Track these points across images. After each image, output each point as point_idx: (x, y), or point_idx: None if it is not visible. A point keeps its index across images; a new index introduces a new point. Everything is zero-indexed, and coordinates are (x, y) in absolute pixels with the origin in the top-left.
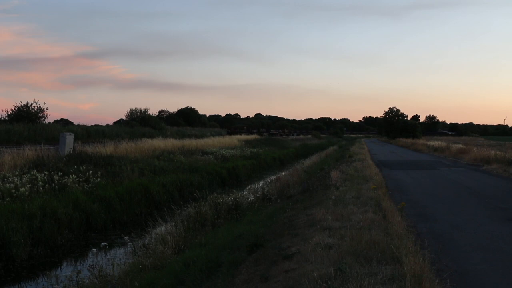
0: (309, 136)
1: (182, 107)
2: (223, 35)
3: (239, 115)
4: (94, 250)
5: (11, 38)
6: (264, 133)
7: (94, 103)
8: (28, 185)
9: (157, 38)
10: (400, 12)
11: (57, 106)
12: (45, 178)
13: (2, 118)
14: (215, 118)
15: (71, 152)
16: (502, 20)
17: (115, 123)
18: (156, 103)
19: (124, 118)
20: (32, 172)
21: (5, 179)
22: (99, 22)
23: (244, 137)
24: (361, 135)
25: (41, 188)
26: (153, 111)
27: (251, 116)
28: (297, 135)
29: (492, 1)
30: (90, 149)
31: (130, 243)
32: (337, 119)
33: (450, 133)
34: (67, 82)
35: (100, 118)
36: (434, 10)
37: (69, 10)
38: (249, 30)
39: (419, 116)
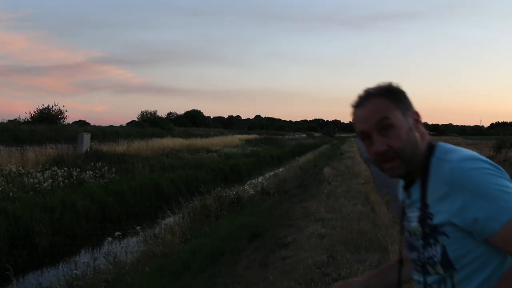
0: (304, 135)
1: (189, 109)
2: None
3: (240, 117)
4: (109, 239)
5: (27, 45)
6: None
7: (107, 106)
8: (49, 180)
9: (146, 47)
10: (366, 22)
11: (74, 108)
12: (65, 174)
13: (26, 120)
14: (219, 120)
15: (88, 150)
16: (466, 31)
17: (128, 124)
18: (162, 105)
19: (135, 119)
20: (53, 168)
21: (29, 175)
22: (101, 31)
23: (245, 136)
24: (351, 135)
25: (61, 183)
26: (161, 113)
27: (251, 118)
28: (293, 135)
29: (445, 14)
30: (105, 147)
31: (142, 232)
32: (329, 120)
33: (431, 133)
34: (81, 86)
35: (113, 120)
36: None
37: (74, 18)
38: (229, 37)
39: None
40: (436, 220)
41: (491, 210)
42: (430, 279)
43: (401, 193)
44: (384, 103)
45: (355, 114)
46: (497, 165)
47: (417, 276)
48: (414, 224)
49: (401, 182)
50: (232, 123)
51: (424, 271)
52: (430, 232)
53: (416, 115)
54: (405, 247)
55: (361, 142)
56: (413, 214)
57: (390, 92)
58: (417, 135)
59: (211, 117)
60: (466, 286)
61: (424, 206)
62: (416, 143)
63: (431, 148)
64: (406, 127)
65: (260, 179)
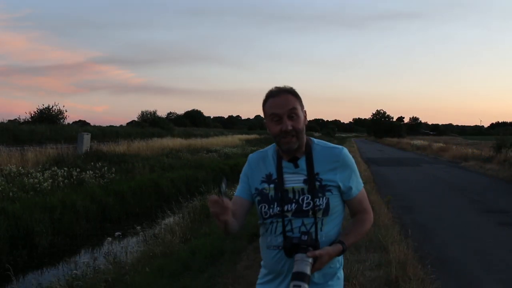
0: None
1: (189, 110)
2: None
3: (240, 117)
4: (109, 239)
5: (27, 45)
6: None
7: (107, 106)
8: (49, 180)
9: (146, 47)
10: (366, 22)
11: (74, 108)
12: (65, 174)
13: (26, 120)
14: (219, 120)
15: (88, 150)
16: (465, 31)
17: (128, 124)
18: (162, 105)
19: (136, 119)
20: (53, 168)
21: (29, 175)
22: (101, 31)
23: (245, 136)
24: (351, 135)
25: (61, 183)
26: (161, 113)
27: (251, 118)
28: None
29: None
30: (105, 147)
31: (142, 232)
32: (329, 120)
33: (431, 133)
34: (81, 86)
35: (113, 120)
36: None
37: (74, 17)
38: (228, 38)
39: (403, 117)
40: (326, 182)
41: (357, 183)
42: (307, 220)
43: (272, 166)
44: (292, 99)
45: (270, 102)
46: None
47: (274, 220)
48: (299, 184)
49: (258, 162)
50: (232, 123)
51: (303, 215)
52: (319, 188)
53: (305, 113)
54: (277, 202)
55: (269, 123)
56: (298, 178)
57: (295, 93)
58: (304, 126)
59: (211, 117)
60: (327, 226)
61: (312, 172)
62: (304, 130)
63: (308, 138)
64: (302, 118)
65: None
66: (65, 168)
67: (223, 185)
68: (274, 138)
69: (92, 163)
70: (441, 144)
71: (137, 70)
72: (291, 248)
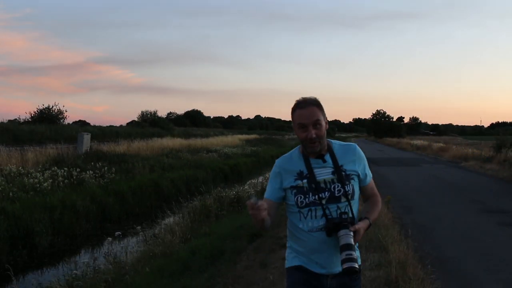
0: None
1: (189, 110)
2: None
3: (240, 117)
4: (109, 239)
5: (27, 45)
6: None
7: (107, 106)
8: (49, 180)
9: (146, 47)
10: (366, 22)
11: (74, 108)
12: (65, 174)
13: (26, 120)
14: (219, 120)
15: (88, 150)
16: (465, 31)
17: (128, 124)
18: (162, 105)
19: (136, 119)
20: (53, 168)
21: (29, 175)
22: (101, 31)
23: (245, 136)
24: (351, 135)
25: (61, 183)
26: (161, 113)
27: (251, 118)
28: (293, 135)
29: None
30: (105, 147)
31: (142, 232)
32: (329, 120)
33: (431, 133)
34: (81, 86)
35: (113, 120)
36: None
37: (74, 17)
38: (228, 38)
39: (403, 117)
40: (349, 172)
41: (369, 172)
42: (341, 204)
43: (301, 165)
44: (317, 111)
45: (298, 112)
46: None
47: (312, 208)
48: (329, 176)
49: (290, 163)
50: (232, 123)
51: (336, 200)
52: (345, 177)
53: (326, 120)
54: (312, 192)
55: (297, 129)
56: (327, 171)
57: (319, 104)
58: (326, 131)
59: (211, 117)
60: (354, 207)
61: (337, 165)
62: (325, 135)
63: (327, 140)
64: (324, 126)
65: (260, 179)
66: (65, 168)
67: (254, 198)
68: (301, 142)
69: (92, 163)
70: (441, 144)
71: (137, 70)
72: (334, 227)
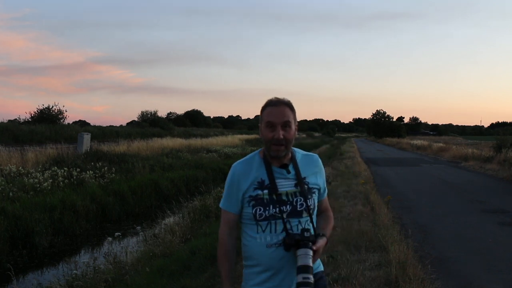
0: (304, 135)
1: (189, 110)
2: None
3: (240, 117)
4: (109, 239)
5: (27, 45)
6: None
7: (107, 106)
8: (49, 180)
9: (146, 47)
10: (366, 22)
11: (74, 108)
12: (65, 174)
13: (26, 120)
14: (219, 120)
15: (88, 150)
16: (465, 31)
17: (128, 124)
18: (162, 105)
19: (136, 119)
20: (53, 168)
21: (29, 175)
22: (101, 31)
23: (245, 136)
24: (351, 135)
25: (61, 183)
26: (161, 113)
27: (251, 118)
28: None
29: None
30: (105, 147)
31: (142, 232)
32: (329, 120)
33: (431, 133)
34: (81, 86)
35: (113, 119)
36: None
37: (74, 17)
38: (228, 38)
39: (403, 117)
40: (312, 185)
41: (325, 185)
42: (303, 219)
43: (261, 173)
44: (288, 112)
45: (268, 110)
46: None
47: (267, 222)
48: (291, 188)
49: (249, 169)
50: (232, 123)
51: (298, 215)
52: (308, 191)
53: (297, 126)
54: (272, 204)
55: (264, 128)
56: (289, 183)
57: (291, 106)
58: (294, 137)
59: (211, 117)
60: (313, 222)
61: (300, 177)
62: (293, 141)
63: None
64: (294, 130)
65: None
66: (65, 168)
67: None
68: (265, 143)
69: (92, 163)
70: (441, 144)
71: (137, 70)
72: (294, 243)
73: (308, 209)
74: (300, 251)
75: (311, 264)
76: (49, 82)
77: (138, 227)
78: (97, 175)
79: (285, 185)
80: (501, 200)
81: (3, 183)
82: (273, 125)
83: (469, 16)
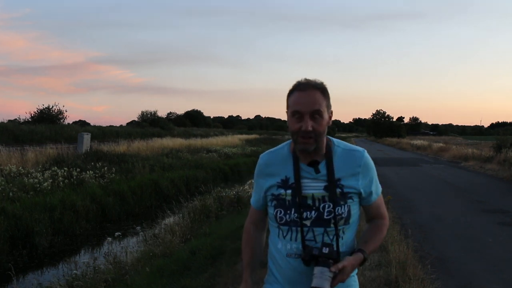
0: None
1: (189, 110)
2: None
3: (240, 117)
4: (109, 239)
5: (27, 45)
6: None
7: (107, 106)
8: (49, 180)
9: (146, 47)
10: (365, 22)
11: (74, 108)
12: (65, 173)
13: (26, 120)
14: (219, 120)
15: (88, 150)
16: (465, 31)
17: (128, 124)
18: (162, 105)
19: (136, 119)
20: (53, 168)
21: (29, 175)
22: (101, 31)
23: (245, 136)
24: (351, 135)
25: (61, 183)
26: (161, 113)
27: (251, 118)
28: None
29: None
30: (105, 147)
31: (142, 232)
32: None
33: (431, 133)
34: (81, 86)
35: (113, 120)
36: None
37: (74, 17)
38: (228, 38)
39: (403, 117)
40: (347, 188)
41: (377, 187)
42: (330, 229)
43: (288, 169)
44: (320, 97)
45: (295, 95)
46: None
47: (291, 227)
48: (319, 191)
49: (271, 164)
50: (232, 123)
51: (324, 224)
52: (340, 196)
53: (331, 113)
54: (295, 208)
55: (290, 118)
56: (319, 184)
57: (324, 90)
58: (326, 127)
59: (211, 117)
60: (347, 234)
61: (333, 179)
62: (325, 133)
63: (328, 139)
64: (326, 120)
65: None
66: (65, 168)
67: None
68: (292, 135)
69: (92, 163)
70: (441, 144)
71: (137, 70)
72: (310, 259)
73: (335, 218)
74: (317, 270)
75: (325, 287)
76: (49, 82)
77: (138, 227)
78: (97, 175)
79: (312, 186)
80: (501, 200)
81: (3, 183)
82: (301, 114)
83: (469, 16)
